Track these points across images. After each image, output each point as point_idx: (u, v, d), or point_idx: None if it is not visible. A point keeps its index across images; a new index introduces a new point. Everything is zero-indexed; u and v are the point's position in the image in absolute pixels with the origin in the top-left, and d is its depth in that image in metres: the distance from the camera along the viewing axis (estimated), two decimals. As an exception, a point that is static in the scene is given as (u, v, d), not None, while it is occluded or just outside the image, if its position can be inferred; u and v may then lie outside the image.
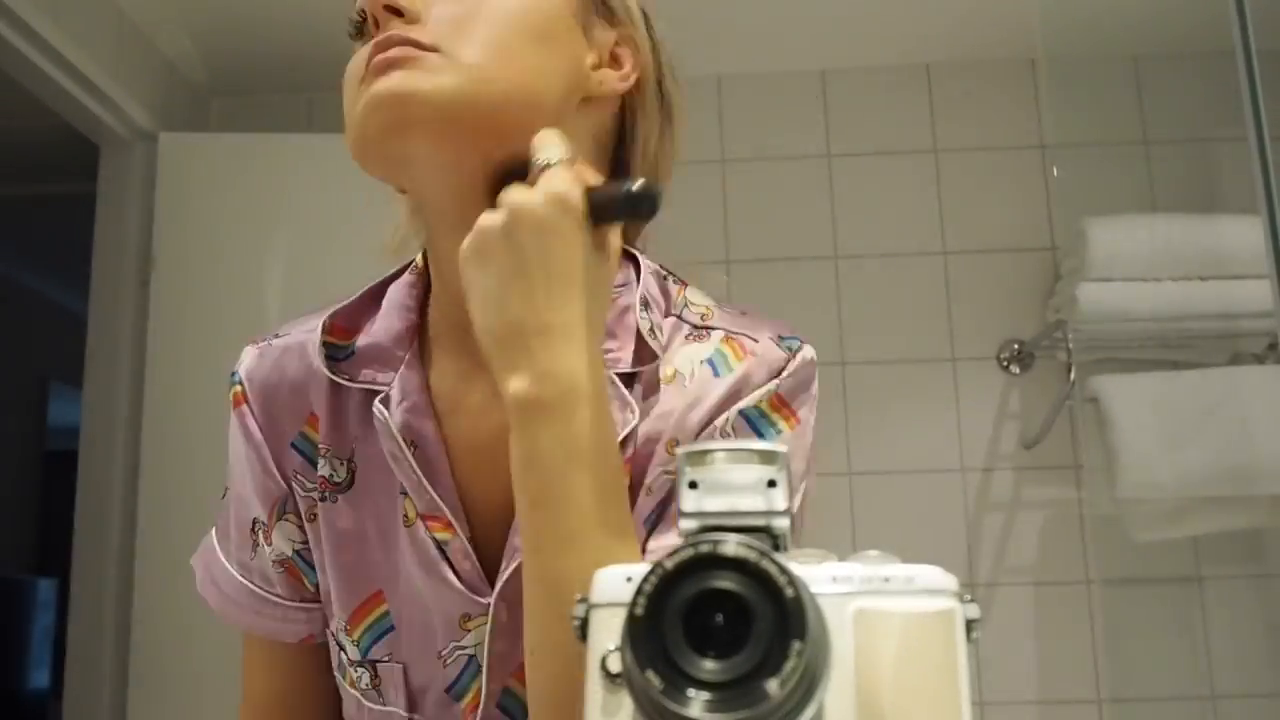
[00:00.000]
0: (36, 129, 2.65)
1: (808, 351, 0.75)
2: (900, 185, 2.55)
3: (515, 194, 0.61)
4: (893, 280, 2.51)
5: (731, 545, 0.37)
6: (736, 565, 0.37)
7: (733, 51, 2.54)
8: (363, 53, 0.67)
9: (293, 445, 0.77)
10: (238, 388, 0.80)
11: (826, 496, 2.42)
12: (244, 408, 0.79)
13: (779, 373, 0.73)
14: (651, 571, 0.37)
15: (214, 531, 0.84)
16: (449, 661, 0.70)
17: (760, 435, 0.70)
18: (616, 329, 0.71)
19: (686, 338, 0.73)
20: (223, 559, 0.82)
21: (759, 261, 2.53)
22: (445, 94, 0.63)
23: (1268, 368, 2.20)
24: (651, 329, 0.71)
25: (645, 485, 0.69)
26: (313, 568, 0.77)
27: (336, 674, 0.78)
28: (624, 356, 0.70)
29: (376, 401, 0.71)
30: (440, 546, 0.69)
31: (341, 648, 0.75)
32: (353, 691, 0.75)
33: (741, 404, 0.70)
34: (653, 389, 0.71)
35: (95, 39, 2.16)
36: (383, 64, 0.64)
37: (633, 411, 0.68)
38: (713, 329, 0.74)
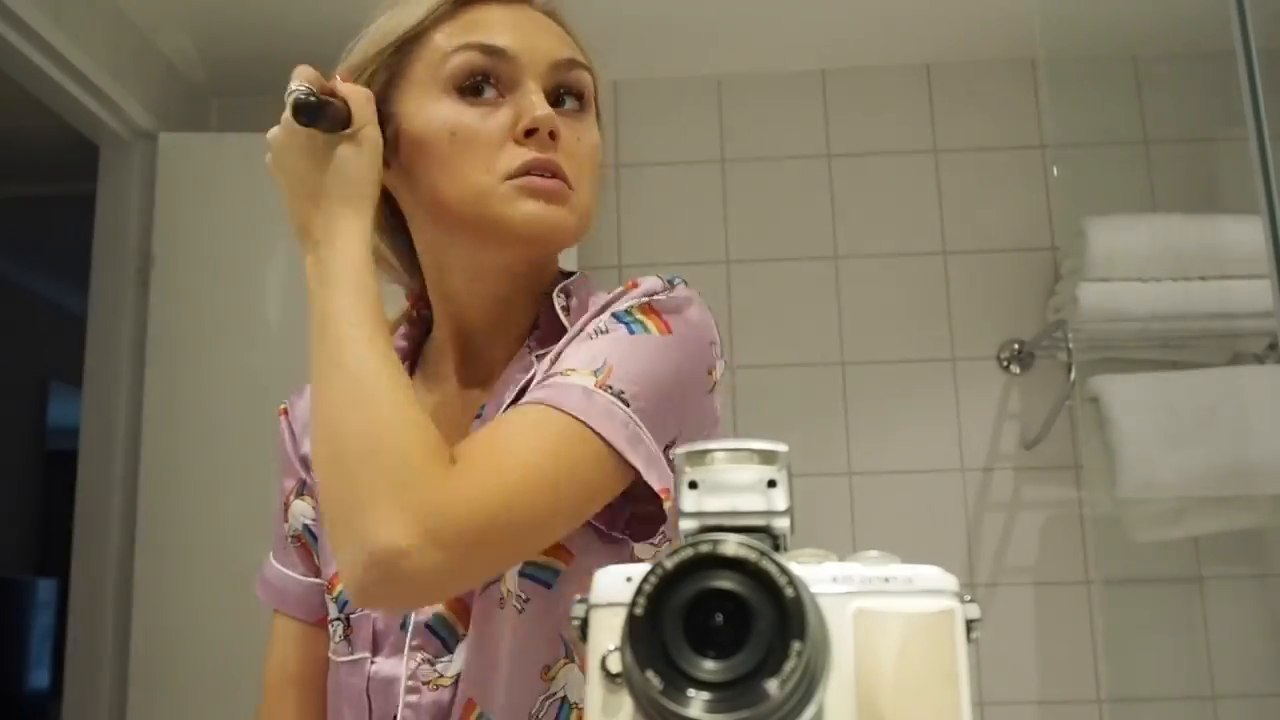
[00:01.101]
0: (36, 129, 2.65)
1: (685, 289, 0.85)
2: (900, 185, 2.55)
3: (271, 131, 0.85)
4: (893, 280, 2.51)
5: (731, 545, 0.37)
6: (736, 565, 0.37)
7: (733, 51, 2.54)
8: (511, 147, 0.81)
9: (299, 458, 0.96)
10: (284, 404, 0.99)
11: (827, 496, 2.42)
12: (284, 417, 0.98)
13: (655, 292, 0.83)
14: (651, 571, 0.37)
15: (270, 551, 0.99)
16: None
17: (628, 328, 0.79)
18: (546, 333, 0.87)
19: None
20: (271, 557, 0.97)
21: (759, 261, 2.53)
22: (574, 234, 0.83)
23: (1268, 368, 2.20)
24: (565, 308, 0.86)
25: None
26: (316, 540, 0.93)
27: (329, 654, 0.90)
28: (538, 337, 0.87)
29: None
30: None
31: (326, 609, 0.89)
32: (333, 659, 0.88)
33: (614, 307, 0.82)
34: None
35: (95, 39, 2.16)
36: (547, 191, 0.81)
37: (529, 369, 0.84)
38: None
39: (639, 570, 0.38)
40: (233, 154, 2.38)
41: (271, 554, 0.97)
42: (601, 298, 0.86)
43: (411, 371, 0.93)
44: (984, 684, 2.28)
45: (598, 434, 0.72)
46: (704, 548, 0.37)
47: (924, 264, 2.51)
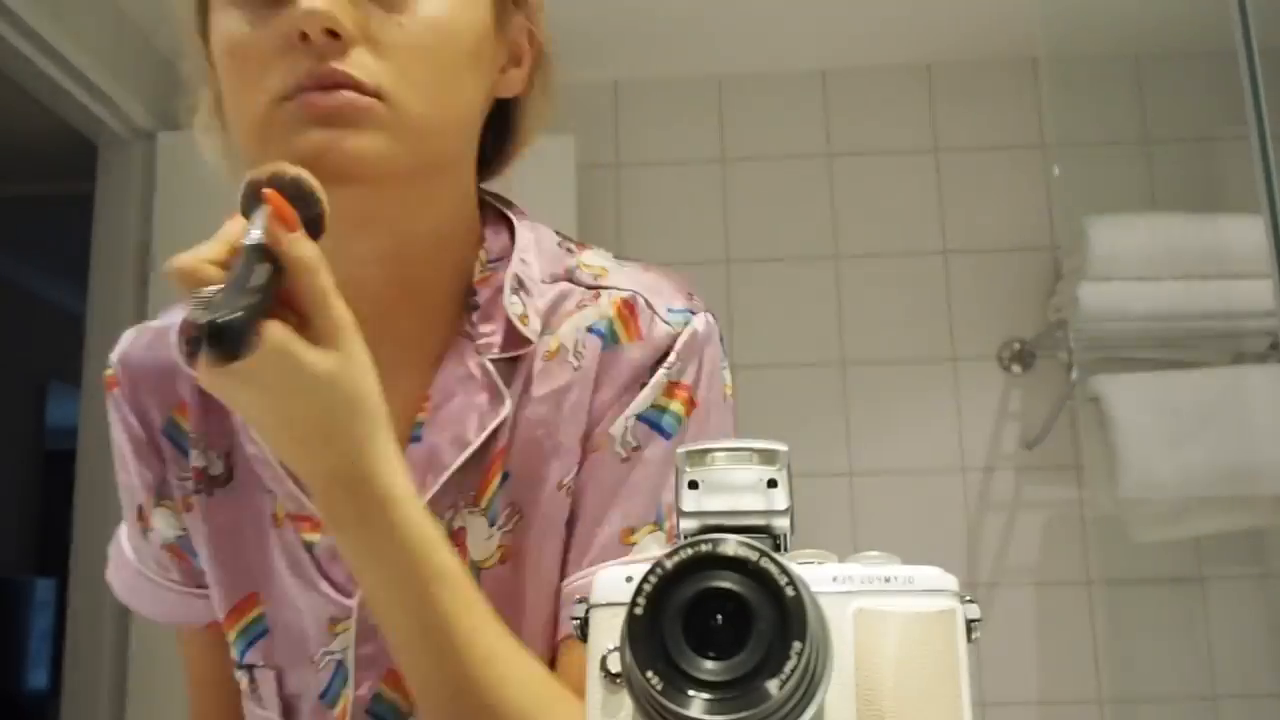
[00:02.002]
0: (36, 129, 2.65)
1: (697, 322, 0.70)
2: (900, 185, 2.55)
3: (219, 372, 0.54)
4: (893, 280, 2.50)
5: (731, 545, 0.37)
6: (736, 565, 0.37)
7: (733, 51, 2.54)
8: (285, 62, 0.60)
9: (163, 432, 0.73)
10: (110, 371, 0.75)
11: (826, 497, 2.42)
12: (116, 391, 0.74)
13: (667, 352, 0.68)
14: (651, 571, 0.37)
15: (123, 523, 0.78)
16: (320, 667, 0.68)
17: (663, 432, 0.68)
18: (492, 310, 0.68)
19: (578, 304, 0.70)
20: (125, 545, 0.78)
21: (759, 261, 2.53)
22: (391, 161, 0.60)
23: (1269, 367, 2.20)
24: (523, 313, 0.68)
25: (561, 484, 0.68)
26: (196, 554, 0.74)
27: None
28: (496, 341, 0.68)
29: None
30: (308, 548, 0.68)
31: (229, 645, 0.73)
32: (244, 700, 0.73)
33: (636, 407, 0.68)
34: (536, 376, 0.69)
35: (94, 38, 2.16)
36: (329, 113, 0.59)
37: (504, 401, 0.67)
38: (605, 288, 0.70)
39: (639, 570, 0.38)
40: (233, 154, 2.38)
41: (133, 555, 0.77)
42: (551, 286, 0.70)
43: None
44: (984, 684, 2.27)
45: None
46: (704, 547, 0.37)
47: (924, 264, 2.51)
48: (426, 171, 0.63)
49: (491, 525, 0.67)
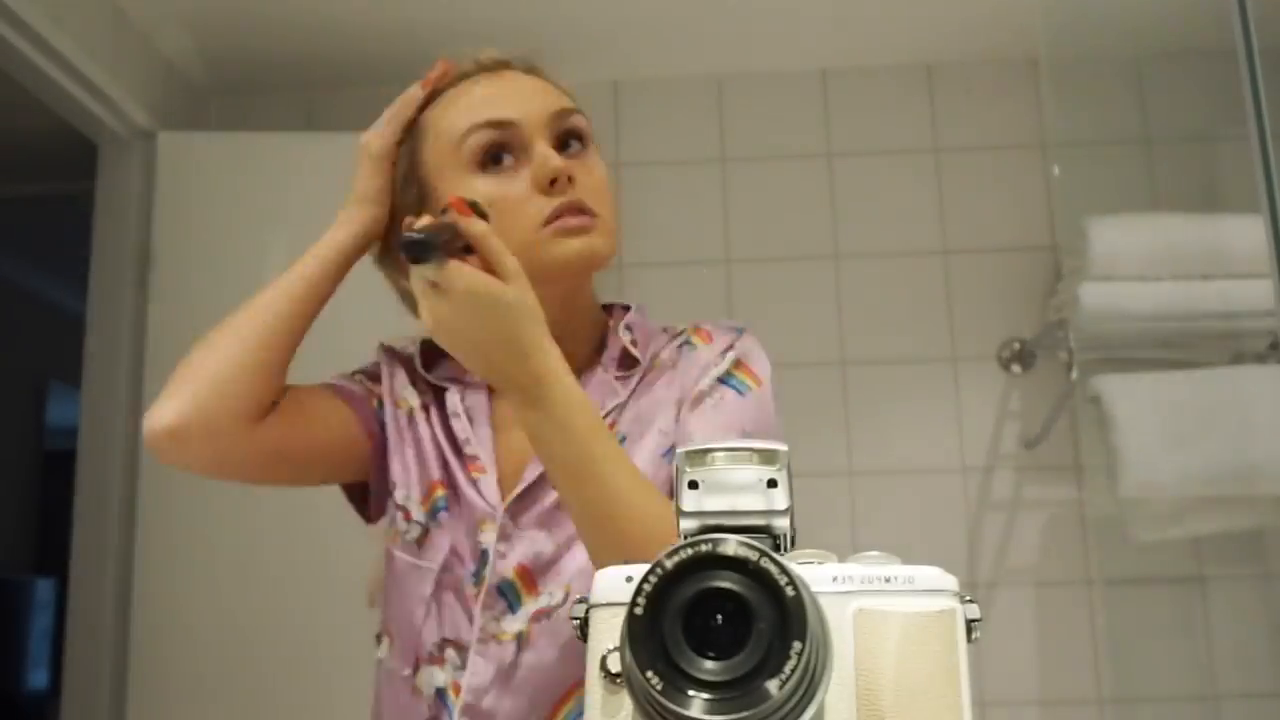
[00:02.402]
0: (35, 129, 2.65)
1: (749, 333, 1.05)
2: (900, 185, 2.55)
3: (436, 306, 0.84)
4: (893, 280, 2.50)
5: (731, 545, 0.37)
6: (736, 565, 0.37)
7: (733, 51, 2.54)
8: (539, 199, 0.94)
9: (392, 392, 1.06)
10: (381, 347, 1.09)
11: (826, 497, 2.42)
12: (382, 354, 1.09)
13: (731, 345, 1.02)
14: (651, 571, 0.37)
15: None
16: (474, 552, 0.97)
17: (737, 390, 0.97)
18: (614, 356, 1.03)
19: (670, 337, 1.06)
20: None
21: (759, 261, 2.53)
22: (609, 253, 0.98)
23: (1269, 367, 2.20)
24: (633, 341, 1.03)
25: (662, 429, 0.99)
26: (362, 422, 1.03)
27: (388, 544, 1.02)
28: (615, 357, 1.03)
29: (452, 388, 1.04)
30: (474, 482, 0.99)
31: (404, 509, 1.01)
32: (397, 553, 1.01)
33: (717, 373, 0.98)
34: (645, 380, 1.02)
35: (94, 38, 2.16)
36: (578, 227, 0.95)
37: (616, 394, 1.00)
38: (681, 331, 1.06)
39: (639, 570, 0.38)
40: (232, 154, 2.38)
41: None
42: (659, 335, 1.05)
43: None
44: (984, 684, 2.27)
45: None
46: (704, 547, 0.37)
47: (924, 264, 2.51)
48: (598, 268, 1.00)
49: None
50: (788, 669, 0.36)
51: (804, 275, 2.52)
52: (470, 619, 0.96)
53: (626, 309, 1.07)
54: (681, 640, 0.37)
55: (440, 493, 1.00)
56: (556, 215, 0.94)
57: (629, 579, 0.39)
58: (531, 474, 0.97)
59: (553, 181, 0.94)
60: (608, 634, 0.40)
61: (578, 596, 0.83)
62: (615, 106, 2.56)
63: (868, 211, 2.54)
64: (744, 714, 0.35)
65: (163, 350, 2.28)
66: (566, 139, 0.98)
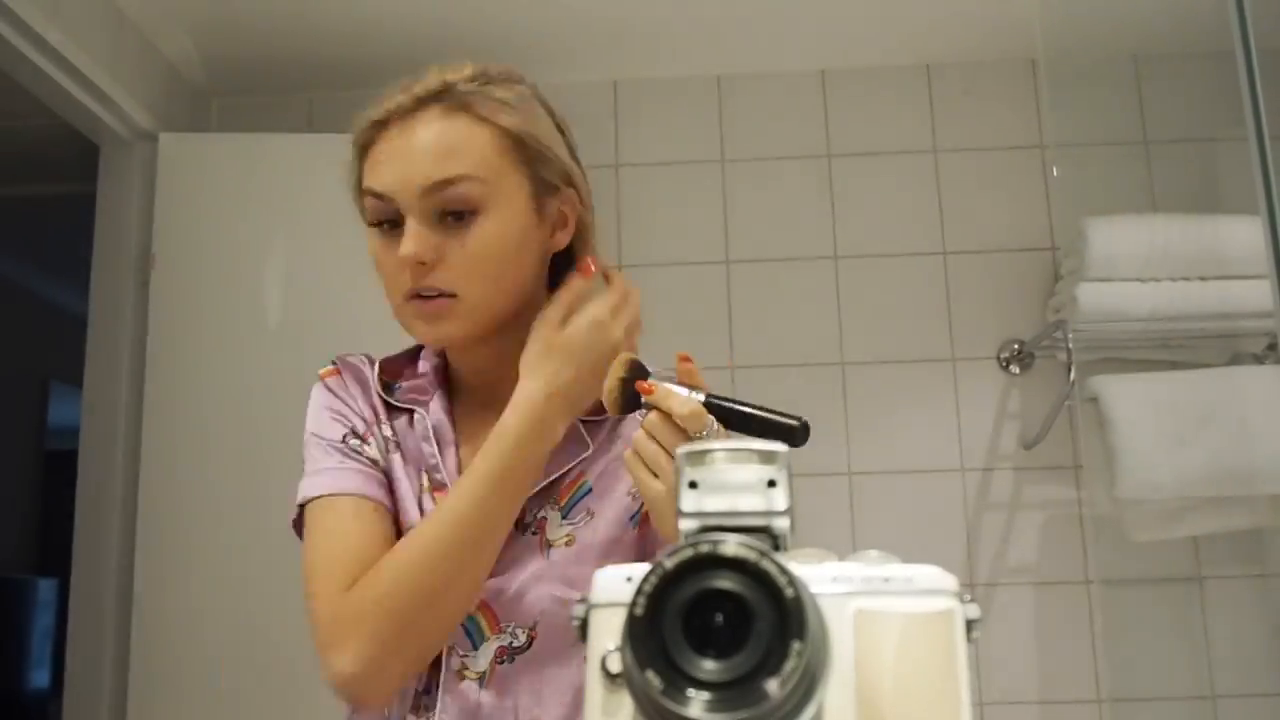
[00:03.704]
0: (36, 129, 2.65)
1: None
2: (900, 185, 2.55)
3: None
4: (893, 280, 2.50)
5: (731, 545, 0.37)
6: (736, 565, 0.37)
7: (733, 51, 2.54)
8: (401, 278, 0.95)
9: (360, 415, 1.04)
10: (330, 366, 1.07)
11: (827, 496, 2.42)
12: (334, 378, 1.06)
13: None
14: (651, 571, 0.37)
15: (302, 484, 1.01)
16: None
17: None
18: None
19: None
20: (304, 484, 1.00)
21: (759, 261, 2.53)
22: (468, 331, 0.97)
23: (1267, 368, 2.20)
24: None
25: (629, 492, 1.00)
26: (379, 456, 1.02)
27: None
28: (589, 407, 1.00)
29: (419, 412, 1.03)
30: None
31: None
32: None
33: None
34: (614, 431, 1.03)
35: (95, 39, 2.16)
36: (427, 314, 0.96)
37: (587, 446, 1.01)
38: None
39: (639, 570, 0.38)
40: (233, 154, 2.38)
41: (326, 457, 1.01)
42: None
43: (447, 387, 1.06)
44: (984, 684, 2.27)
45: None
46: (704, 548, 0.37)
47: (924, 264, 2.51)
48: (497, 326, 0.98)
49: (563, 519, 0.99)
50: (787, 669, 0.36)
51: (804, 275, 2.52)
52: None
53: None
54: (681, 640, 0.37)
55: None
56: (410, 297, 0.95)
57: (629, 579, 0.39)
58: None
59: (383, 221, 0.96)
60: (608, 634, 0.40)
61: (543, 643, 0.89)
62: (615, 106, 2.56)
63: (867, 212, 2.54)
64: (744, 714, 0.36)
65: (163, 350, 2.28)
66: (442, 212, 0.95)
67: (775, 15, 2.38)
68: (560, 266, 1.03)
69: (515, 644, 0.95)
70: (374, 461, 1.00)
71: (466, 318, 0.95)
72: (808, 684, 0.37)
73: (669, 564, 0.37)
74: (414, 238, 0.94)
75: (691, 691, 0.36)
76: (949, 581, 0.40)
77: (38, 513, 4.42)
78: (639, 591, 0.37)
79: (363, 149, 0.98)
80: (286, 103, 2.62)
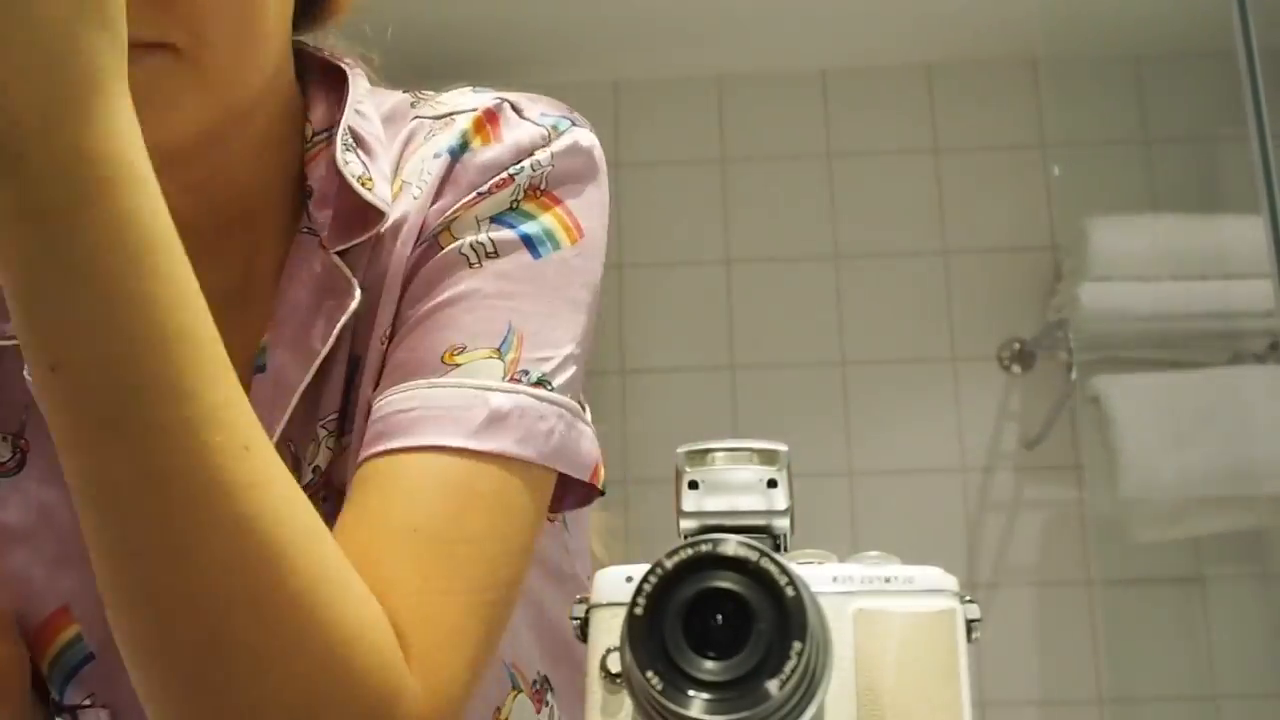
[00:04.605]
0: (36, 129, 2.65)
1: (580, 131, 0.58)
2: (900, 185, 2.55)
3: None
4: (893, 280, 2.50)
5: (731, 545, 0.37)
6: (736, 565, 0.37)
7: (733, 51, 2.54)
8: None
9: None
10: None
11: (826, 497, 2.42)
12: None
13: (538, 148, 0.56)
14: (651, 571, 0.37)
15: None
16: None
17: (531, 247, 0.55)
18: (328, 190, 0.56)
19: (426, 137, 0.58)
20: None
21: (759, 261, 2.53)
22: (210, 116, 0.51)
23: (1269, 367, 2.20)
24: (364, 175, 0.56)
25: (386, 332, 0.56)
26: None
27: None
28: (325, 224, 0.56)
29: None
30: None
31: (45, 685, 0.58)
32: None
33: (492, 208, 0.55)
34: (389, 243, 0.56)
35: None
36: (143, 83, 0.43)
37: (352, 291, 0.55)
38: (461, 112, 0.58)
39: (639, 570, 0.38)
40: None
41: None
42: (411, 136, 0.59)
43: None
44: (984, 684, 2.27)
45: (522, 461, 0.52)
46: (704, 548, 0.37)
47: (924, 264, 2.51)
48: (239, 114, 0.54)
49: (349, 437, 0.56)
50: (788, 669, 0.36)
51: (804, 275, 2.52)
52: None
53: (341, 80, 0.61)
54: (681, 640, 0.37)
55: (69, 633, 0.57)
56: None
57: (629, 579, 0.39)
58: None
59: None
60: (607, 634, 0.40)
61: None
62: (615, 106, 2.56)
63: (868, 211, 2.54)
64: (744, 714, 0.36)
65: (163, 350, 2.29)
66: None
67: (775, 15, 2.38)
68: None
69: None
70: None
71: (207, 88, 0.50)
72: (808, 684, 0.37)
73: (669, 564, 0.37)
74: None
75: (691, 692, 0.36)
76: (949, 582, 0.40)
77: (38, 513, 4.43)
78: (639, 591, 0.37)
79: None
80: (286, 103, 2.62)
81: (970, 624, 0.40)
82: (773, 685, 0.36)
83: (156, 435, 0.38)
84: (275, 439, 0.52)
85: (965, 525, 2.41)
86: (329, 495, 0.55)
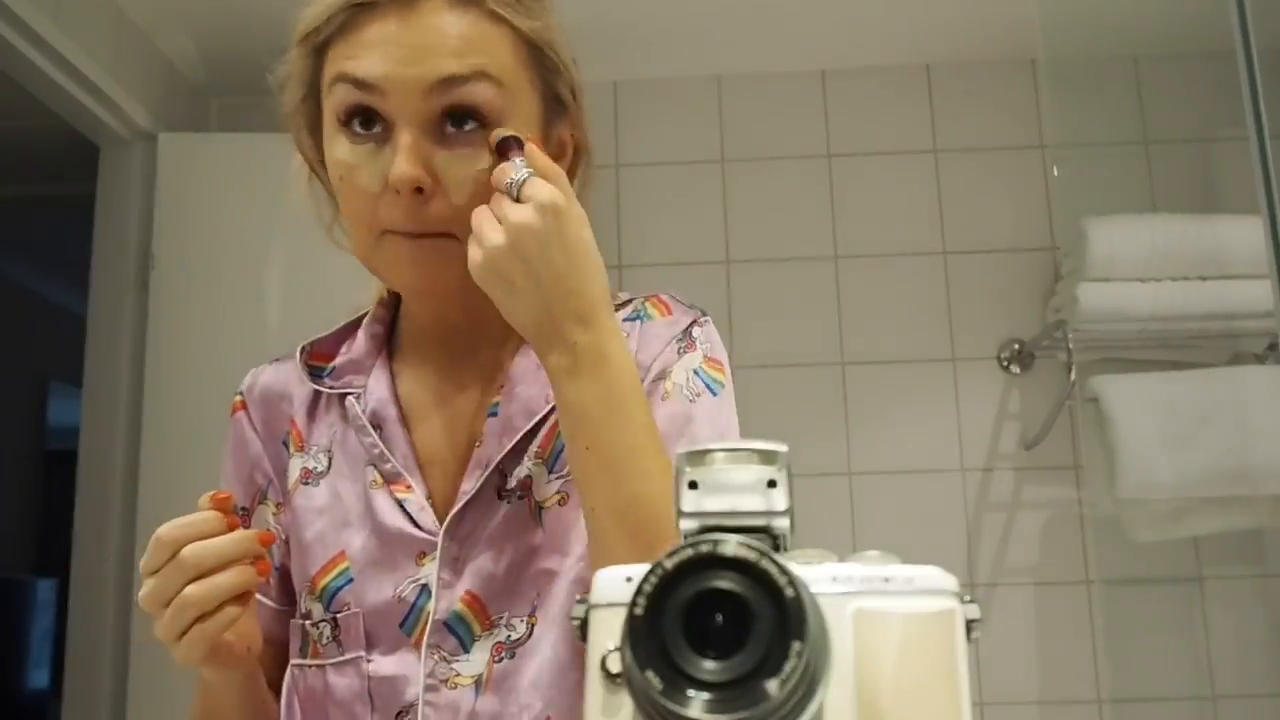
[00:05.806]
0: (36, 129, 2.65)
1: (708, 318, 0.90)
2: (900, 185, 2.55)
3: (512, 213, 0.72)
4: (893, 280, 2.51)
5: (731, 545, 0.37)
6: (736, 565, 0.37)
7: (733, 51, 2.54)
8: (390, 196, 0.77)
9: (282, 443, 0.92)
10: (238, 398, 0.96)
11: (826, 497, 2.42)
12: (241, 414, 0.95)
13: (694, 325, 0.88)
14: (651, 571, 0.37)
15: None
16: (403, 595, 0.82)
17: (711, 390, 0.86)
18: None
19: (617, 308, 0.86)
20: None
21: (759, 261, 2.53)
22: (466, 281, 0.75)
23: (1268, 368, 2.20)
24: None
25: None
26: (275, 551, 0.90)
27: (295, 662, 0.86)
28: None
29: (350, 398, 0.88)
30: (401, 504, 0.84)
31: (307, 615, 0.86)
32: (312, 663, 0.84)
33: (692, 363, 0.86)
34: None
35: (95, 39, 2.16)
36: (424, 258, 0.78)
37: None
38: (634, 298, 0.91)
39: (639, 570, 0.38)
40: (233, 154, 2.38)
41: None
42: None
43: (390, 356, 0.91)
44: (984, 684, 2.27)
45: None
46: (704, 548, 0.37)
47: (924, 264, 2.51)
48: None
49: (550, 472, 0.83)
50: (787, 669, 0.36)
51: (804, 275, 2.52)
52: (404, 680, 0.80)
53: None
54: (681, 640, 0.37)
55: (341, 566, 0.85)
56: (392, 229, 0.78)
57: (629, 579, 0.39)
58: (472, 481, 0.82)
59: (353, 118, 0.78)
60: (608, 634, 0.40)
61: (543, 629, 0.79)
62: (615, 106, 2.56)
63: (867, 212, 2.54)
64: (744, 714, 0.36)
65: (163, 350, 2.28)
66: (451, 117, 0.76)
67: (775, 15, 2.38)
68: None
69: (514, 636, 0.80)
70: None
71: (464, 264, 0.74)
72: (808, 684, 0.37)
73: (669, 564, 0.37)
74: (411, 154, 0.75)
75: (691, 691, 0.36)
76: (949, 581, 0.40)
77: (37, 513, 4.43)
78: (639, 591, 0.37)
79: (328, 40, 0.82)
80: (286, 103, 2.62)
81: (970, 624, 0.40)
82: (772, 685, 0.36)
83: (637, 484, 0.73)
84: (495, 463, 0.83)
85: (965, 525, 2.41)
86: (525, 496, 0.83)
